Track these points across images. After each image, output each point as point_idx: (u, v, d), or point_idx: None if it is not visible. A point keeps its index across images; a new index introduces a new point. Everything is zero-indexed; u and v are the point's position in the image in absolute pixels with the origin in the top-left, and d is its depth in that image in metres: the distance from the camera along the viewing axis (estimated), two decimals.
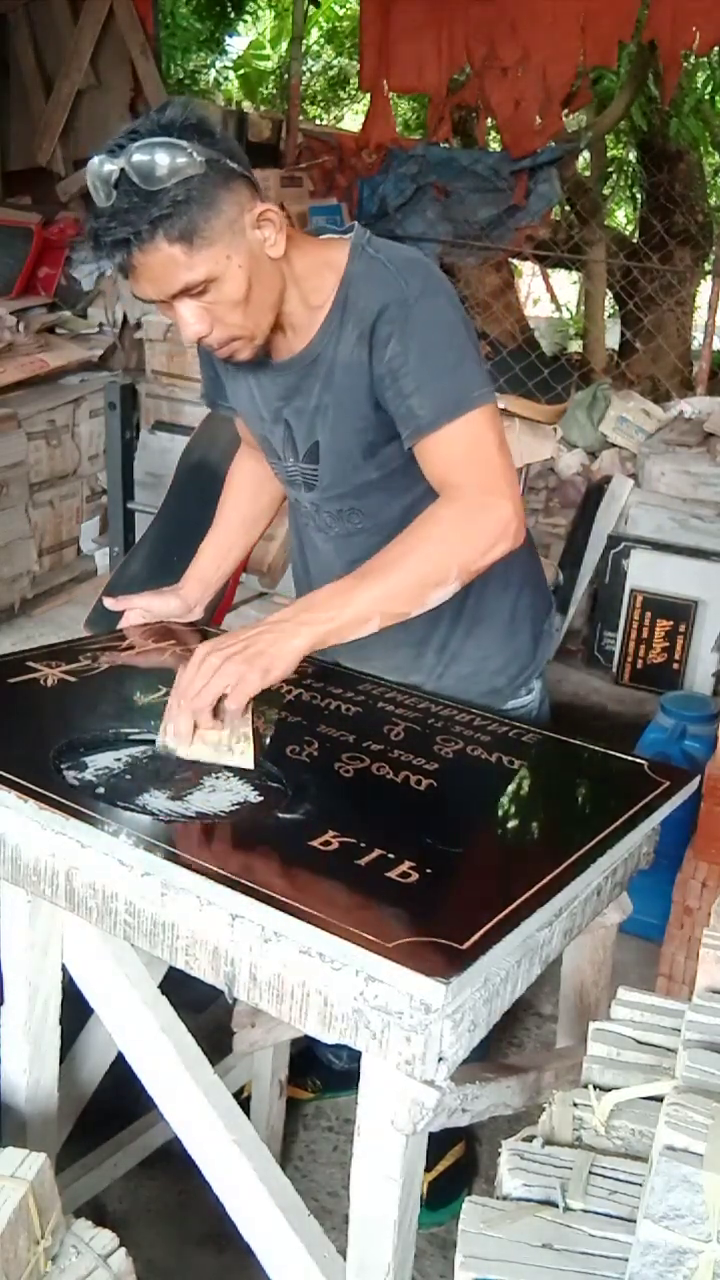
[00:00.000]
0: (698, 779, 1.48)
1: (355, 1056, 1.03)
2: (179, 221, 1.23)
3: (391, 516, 1.49)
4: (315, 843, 1.14)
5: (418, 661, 1.62)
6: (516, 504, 1.36)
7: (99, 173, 1.24)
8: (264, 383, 1.51)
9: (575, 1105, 0.95)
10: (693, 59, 5.80)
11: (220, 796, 1.25)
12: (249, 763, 1.29)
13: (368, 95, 5.95)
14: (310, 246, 1.42)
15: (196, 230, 1.25)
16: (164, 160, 1.22)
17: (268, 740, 1.37)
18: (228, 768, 1.31)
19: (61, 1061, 1.38)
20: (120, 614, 1.75)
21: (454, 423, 1.35)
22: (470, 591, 1.48)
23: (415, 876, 1.09)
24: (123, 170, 1.22)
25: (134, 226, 1.23)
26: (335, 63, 10.54)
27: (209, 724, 1.28)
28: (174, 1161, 1.70)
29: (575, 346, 8.15)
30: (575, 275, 8.43)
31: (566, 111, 5.70)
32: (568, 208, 6.50)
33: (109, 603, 1.74)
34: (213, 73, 10.35)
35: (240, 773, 1.30)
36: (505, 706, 1.64)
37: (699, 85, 6.98)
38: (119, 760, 1.32)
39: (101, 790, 1.24)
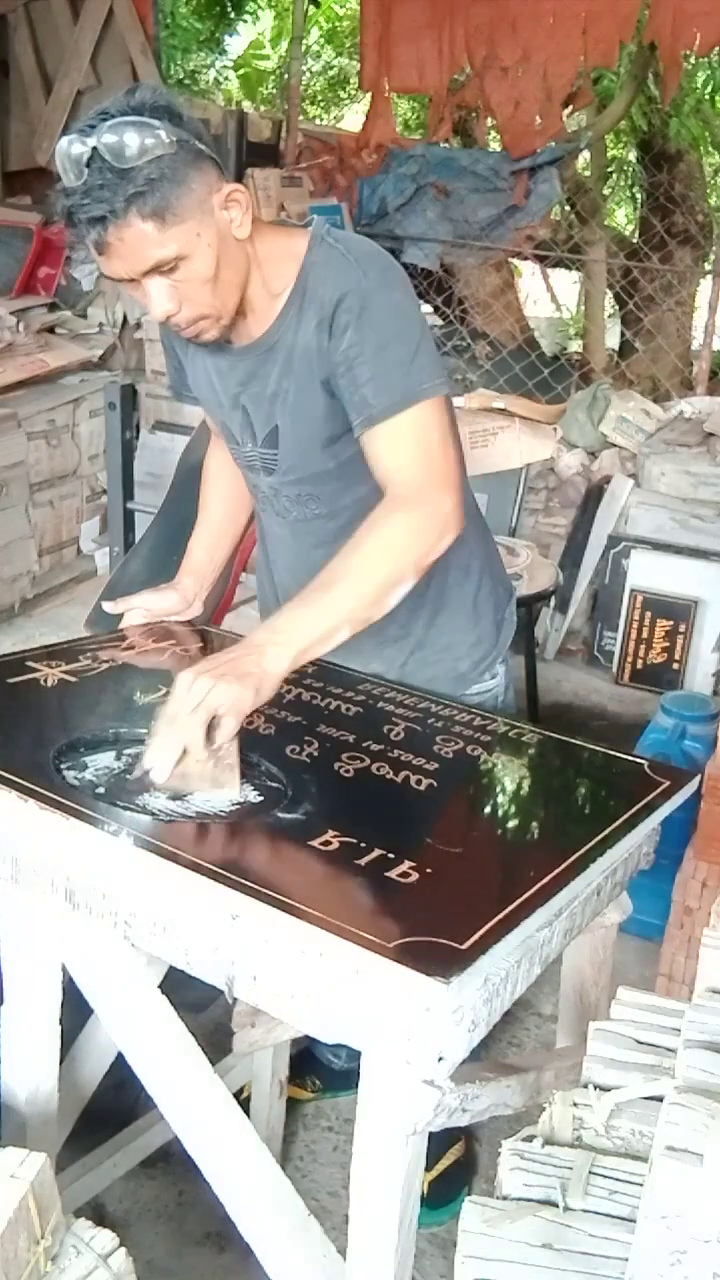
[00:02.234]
0: (698, 779, 1.48)
1: (355, 1056, 1.03)
2: (152, 199, 1.25)
3: (346, 504, 1.53)
4: (315, 842, 1.14)
5: (380, 650, 1.63)
6: (457, 496, 1.39)
7: (68, 153, 1.25)
8: (223, 368, 1.53)
9: (575, 1105, 0.94)
10: (693, 59, 5.79)
11: (220, 796, 1.25)
12: (236, 794, 1.24)
13: (368, 95, 5.95)
14: (272, 234, 1.44)
15: (169, 207, 1.26)
16: (136, 139, 1.23)
17: (270, 735, 1.38)
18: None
19: (61, 1061, 1.37)
20: (120, 614, 1.75)
21: (403, 413, 1.38)
22: (431, 581, 1.51)
23: (415, 876, 1.09)
24: (94, 149, 1.23)
25: (109, 204, 1.24)
26: (335, 63, 10.53)
27: (198, 750, 1.22)
28: (174, 1161, 1.71)
29: (575, 346, 8.15)
30: (575, 275, 8.42)
31: (567, 111, 5.70)
32: (568, 208, 6.49)
33: (108, 606, 1.75)
34: (213, 73, 10.35)
35: (240, 773, 1.30)
36: (470, 691, 1.66)
37: (699, 85, 6.97)
38: (119, 760, 1.31)
39: (102, 790, 1.24)
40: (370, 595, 1.34)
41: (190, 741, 1.22)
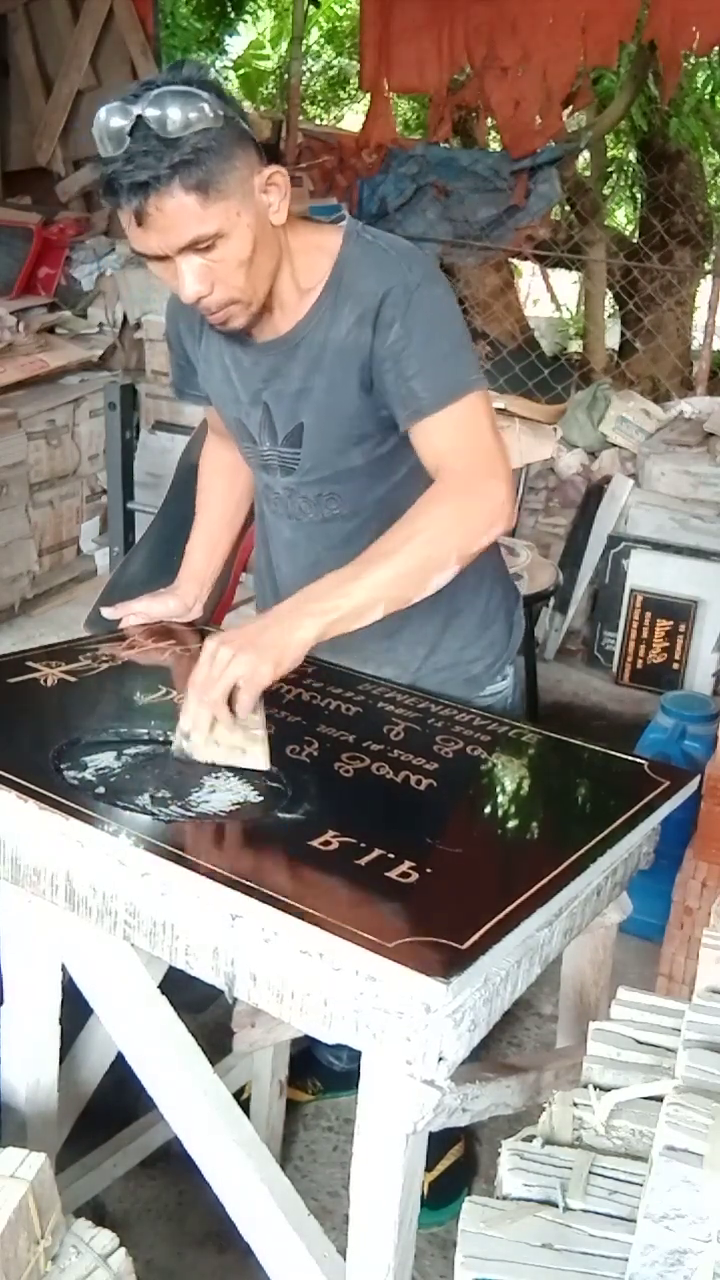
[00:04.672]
0: (698, 779, 1.48)
1: (355, 1058, 1.03)
2: (197, 170, 1.23)
3: (368, 503, 1.51)
4: (315, 842, 1.14)
5: (394, 656, 1.63)
6: (510, 486, 1.38)
7: (107, 124, 1.22)
8: (244, 364, 1.51)
9: (575, 1105, 0.94)
10: (693, 59, 5.79)
11: (220, 796, 1.25)
12: (263, 763, 1.28)
13: (368, 95, 5.95)
14: (303, 228, 1.43)
15: (212, 182, 1.24)
16: (180, 111, 1.21)
17: (269, 735, 1.37)
18: (229, 767, 1.30)
19: (61, 1061, 1.38)
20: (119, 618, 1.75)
21: (453, 405, 1.37)
22: (445, 587, 1.49)
23: (415, 876, 1.09)
24: (139, 118, 1.21)
25: (153, 170, 1.21)
26: (335, 63, 10.53)
27: (225, 719, 1.27)
28: (174, 1161, 1.70)
29: (575, 346, 8.15)
30: (575, 275, 8.42)
31: (567, 112, 5.70)
32: (568, 208, 6.49)
33: (106, 612, 1.73)
34: (213, 73, 10.34)
35: (240, 772, 1.30)
36: (483, 693, 1.65)
37: (699, 85, 6.97)
38: (119, 760, 1.31)
39: (101, 790, 1.24)
40: (412, 575, 1.33)
41: (216, 712, 1.26)
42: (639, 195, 7.93)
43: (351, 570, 1.32)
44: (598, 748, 1.46)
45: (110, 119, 1.22)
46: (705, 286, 6.27)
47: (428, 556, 1.33)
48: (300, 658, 1.28)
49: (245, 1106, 1.70)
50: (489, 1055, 1.92)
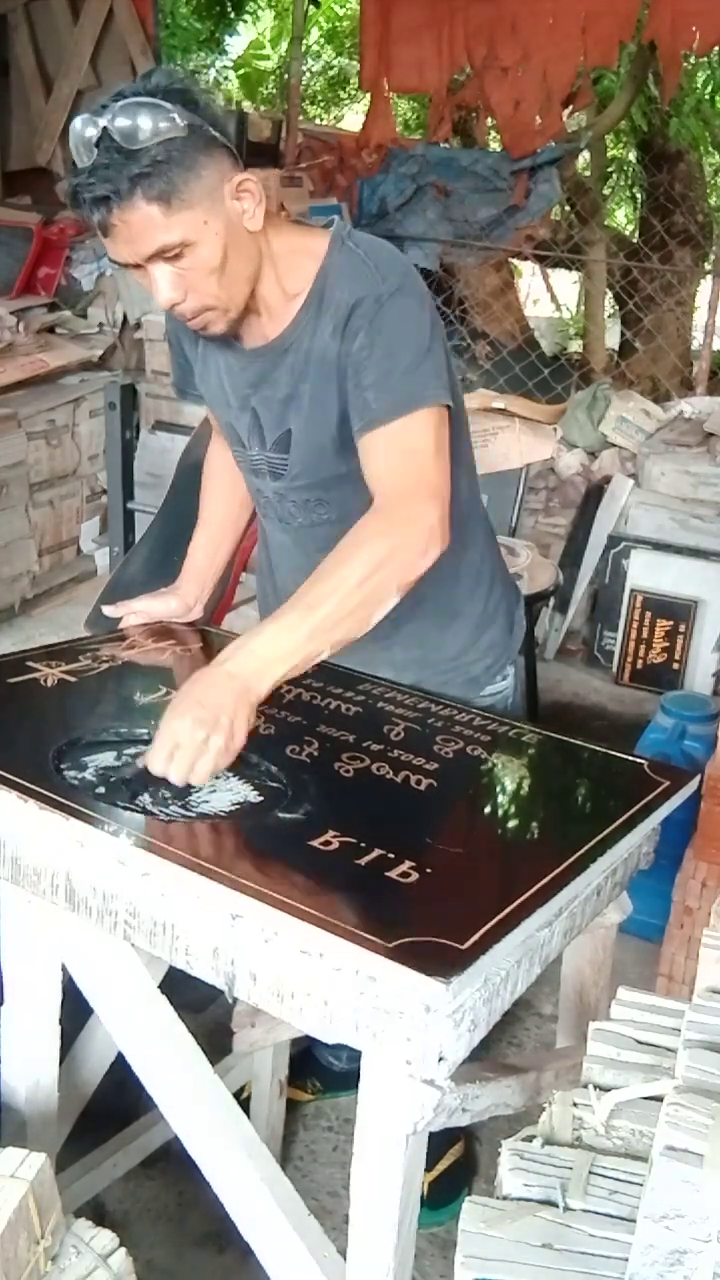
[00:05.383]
0: (698, 779, 1.48)
1: (355, 1058, 1.03)
2: (158, 181, 1.23)
3: (357, 509, 1.48)
4: (315, 842, 1.14)
5: (393, 659, 1.63)
6: (443, 508, 1.35)
7: (81, 134, 1.24)
8: (234, 369, 1.51)
9: (575, 1105, 0.94)
10: (693, 59, 5.79)
11: (220, 796, 1.25)
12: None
13: (368, 95, 5.95)
14: (290, 231, 1.42)
15: (175, 191, 1.25)
16: (146, 121, 1.22)
17: (270, 735, 1.37)
18: (228, 767, 1.30)
19: (61, 1061, 1.38)
20: (119, 617, 1.75)
21: (401, 419, 1.35)
22: (443, 590, 1.49)
23: (415, 876, 1.09)
24: (104, 130, 1.22)
25: (113, 183, 1.23)
26: (335, 63, 10.54)
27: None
28: (174, 1161, 1.70)
29: (575, 346, 8.15)
30: (575, 275, 8.42)
31: (567, 112, 5.70)
32: (568, 208, 6.49)
33: (108, 610, 1.73)
34: (213, 73, 10.35)
35: (240, 773, 1.30)
36: (483, 693, 1.65)
37: (699, 85, 6.97)
38: (119, 760, 1.31)
39: (101, 790, 1.24)
40: (353, 616, 1.30)
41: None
42: (639, 195, 7.94)
43: (297, 618, 1.28)
44: (598, 748, 1.46)
45: (83, 130, 1.24)
46: (705, 286, 6.27)
47: (367, 595, 1.30)
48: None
49: (245, 1106, 1.70)
50: (489, 1055, 1.92)
